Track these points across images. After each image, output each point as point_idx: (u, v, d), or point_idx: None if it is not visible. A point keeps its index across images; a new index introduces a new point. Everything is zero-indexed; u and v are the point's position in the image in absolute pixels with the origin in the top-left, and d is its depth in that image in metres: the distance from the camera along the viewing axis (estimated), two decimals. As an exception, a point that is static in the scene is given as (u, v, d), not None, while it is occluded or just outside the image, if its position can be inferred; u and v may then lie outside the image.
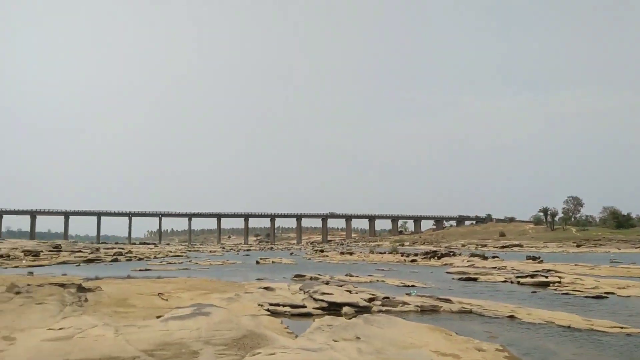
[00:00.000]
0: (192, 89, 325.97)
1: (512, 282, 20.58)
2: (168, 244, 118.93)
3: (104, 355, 6.19)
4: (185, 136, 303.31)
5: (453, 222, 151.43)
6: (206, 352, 6.56)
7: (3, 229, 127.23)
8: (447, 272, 25.70)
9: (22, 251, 42.36)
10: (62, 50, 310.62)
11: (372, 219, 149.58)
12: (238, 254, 63.33)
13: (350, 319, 9.58)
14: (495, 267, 27.60)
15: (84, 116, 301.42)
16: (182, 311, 9.10)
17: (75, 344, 6.68)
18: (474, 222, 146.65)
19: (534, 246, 76.87)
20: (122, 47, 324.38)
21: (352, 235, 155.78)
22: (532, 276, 20.83)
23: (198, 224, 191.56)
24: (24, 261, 34.37)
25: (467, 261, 32.32)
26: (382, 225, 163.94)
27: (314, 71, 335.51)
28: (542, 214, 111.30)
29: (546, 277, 20.48)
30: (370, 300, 13.09)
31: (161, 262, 39.32)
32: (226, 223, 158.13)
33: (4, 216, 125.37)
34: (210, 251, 71.53)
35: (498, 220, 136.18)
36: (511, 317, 11.40)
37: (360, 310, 11.79)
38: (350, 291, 14.37)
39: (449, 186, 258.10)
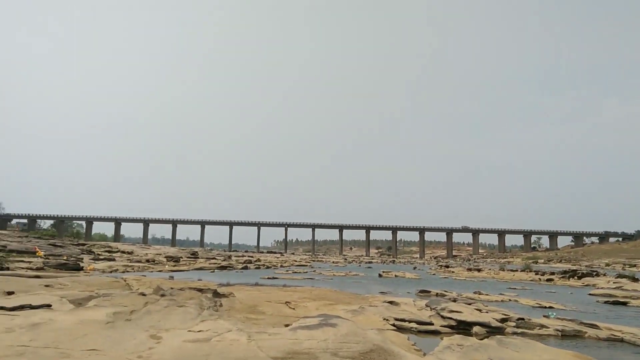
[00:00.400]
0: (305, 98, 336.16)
1: (672, 309, 18.02)
2: (293, 253, 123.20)
3: (239, 359, 6.45)
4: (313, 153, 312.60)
5: (595, 239, 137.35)
6: (334, 364, 6.53)
7: (149, 236, 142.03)
8: (590, 294, 23.27)
9: (165, 257, 46.70)
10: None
11: (501, 234, 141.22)
12: (360, 265, 63.53)
13: (481, 339, 9.01)
14: (649, 291, 24.41)
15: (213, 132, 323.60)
16: (310, 321, 9.23)
17: (213, 346, 7.06)
18: (621, 239, 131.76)
19: (697, 268, 66.87)
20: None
21: (480, 250, 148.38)
22: (697, 303, 18.04)
23: (321, 234, 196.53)
24: (166, 266, 37.75)
25: (614, 282, 29.03)
26: (513, 241, 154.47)
27: (437, 75, 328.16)
28: None
29: None
30: (503, 320, 12.23)
31: (287, 270, 40.77)
32: (348, 234, 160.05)
33: (150, 225, 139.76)
34: (333, 262, 72.70)
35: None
36: (675, 349, 9.91)
37: (492, 331, 11.07)
38: (480, 310, 13.57)
39: (590, 198, 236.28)
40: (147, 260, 41.02)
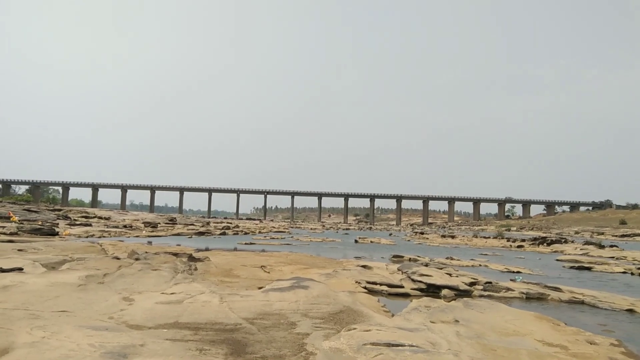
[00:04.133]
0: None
1: (632, 274, 18.74)
2: (272, 220, 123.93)
3: (210, 320, 6.59)
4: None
5: (566, 208, 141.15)
6: (303, 324, 6.72)
7: (127, 203, 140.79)
8: (557, 260, 24.04)
9: (143, 222, 46.42)
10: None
11: (476, 202, 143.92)
12: (337, 232, 64.19)
13: (449, 301, 9.33)
14: (612, 257, 25.33)
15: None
16: (282, 284, 9.42)
17: (184, 308, 7.19)
18: (590, 208, 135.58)
19: (662, 236, 69.29)
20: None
21: (455, 218, 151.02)
22: (657, 268, 18.81)
23: (300, 202, 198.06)
24: (144, 231, 37.58)
25: (581, 249, 30.03)
26: (488, 209, 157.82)
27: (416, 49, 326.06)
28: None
29: (675, 270, 18.40)
30: (472, 284, 12.61)
31: (265, 237, 41.01)
32: (327, 202, 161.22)
33: (128, 190, 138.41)
34: (311, 228, 73.39)
35: (618, 207, 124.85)
36: (630, 310, 10.37)
37: (461, 293, 11.42)
38: (450, 274, 13.95)
39: (562, 169, 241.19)
40: (125, 226, 40.76)
